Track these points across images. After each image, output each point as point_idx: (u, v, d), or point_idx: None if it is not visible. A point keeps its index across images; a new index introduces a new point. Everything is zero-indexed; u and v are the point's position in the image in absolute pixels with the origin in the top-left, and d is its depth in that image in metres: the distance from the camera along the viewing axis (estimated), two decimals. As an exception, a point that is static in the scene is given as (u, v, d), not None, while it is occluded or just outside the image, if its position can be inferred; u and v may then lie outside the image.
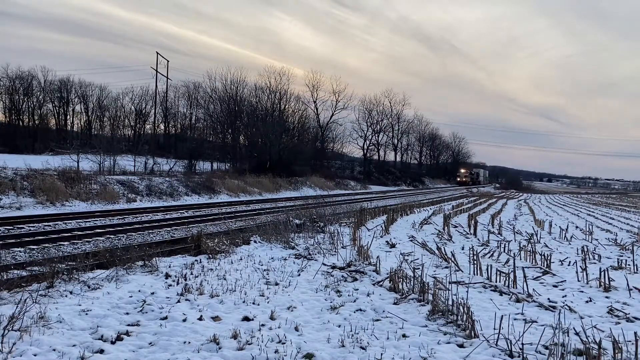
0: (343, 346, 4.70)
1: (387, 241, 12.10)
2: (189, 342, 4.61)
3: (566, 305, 6.36)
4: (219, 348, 4.51)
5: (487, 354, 4.57)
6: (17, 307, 4.92)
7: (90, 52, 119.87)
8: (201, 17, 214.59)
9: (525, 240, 13.46)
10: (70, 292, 6.05)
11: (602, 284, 7.57)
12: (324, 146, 65.31)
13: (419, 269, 7.39)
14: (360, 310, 5.97)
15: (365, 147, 76.09)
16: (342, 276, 7.84)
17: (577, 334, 5.02)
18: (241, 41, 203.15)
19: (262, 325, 5.22)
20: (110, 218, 15.57)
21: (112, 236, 11.89)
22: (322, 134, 65.05)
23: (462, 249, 11.48)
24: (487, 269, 7.98)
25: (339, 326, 5.34)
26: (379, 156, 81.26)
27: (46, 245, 10.26)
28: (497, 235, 14.53)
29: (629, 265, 9.62)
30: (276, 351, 4.45)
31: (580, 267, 8.39)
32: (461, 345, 4.81)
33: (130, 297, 5.99)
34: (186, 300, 6.01)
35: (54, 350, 4.25)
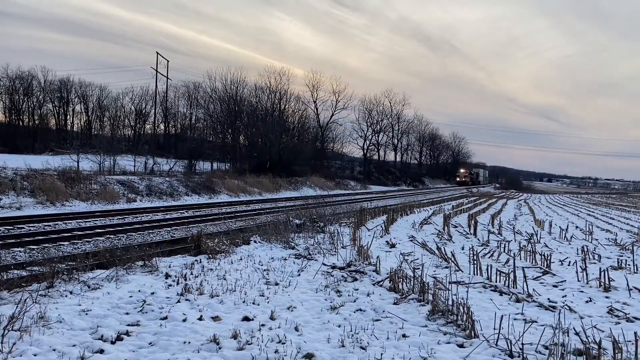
0: (343, 346, 4.70)
1: (387, 241, 12.10)
2: (189, 342, 4.61)
3: (566, 305, 6.36)
4: (219, 348, 4.51)
5: (487, 354, 4.57)
6: (17, 307, 4.92)
7: (90, 52, 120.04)
8: (201, 17, 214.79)
9: (525, 240, 13.46)
10: (70, 292, 6.05)
11: (602, 284, 7.57)
12: (324, 146, 65.33)
13: (419, 269, 7.39)
14: (360, 310, 5.97)
15: (365, 147, 76.21)
16: (342, 276, 7.84)
17: (577, 334, 5.02)
18: (241, 41, 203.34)
19: (262, 325, 5.22)
20: (110, 218, 15.57)
21: (112, 236, 11.89)
22: (322, 134, 65.08)
23: (462, 249, 11.48)
24: (487, 269, 7.98)
25: (339, 326, 5.34)
26: (379, 156, 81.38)
27: (46, 245, 10.26)
28: (497, 235, 14.53)
29: (629, 265, 9.62)
30: (276, 351, 4.45)
31: (580, 267, 8.39)
32: (461, 345, 4.81)
33: (130, 297, 5.99)
34: (186, 300, 6.01)
35: (54, 350, 4.25)
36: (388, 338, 4.99)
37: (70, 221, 14.08)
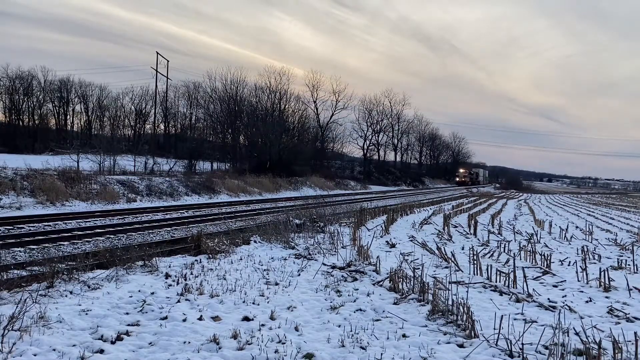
0: (343, 346, 4.70)
1: (387, 241, 12.10)
2: (189, 342, 4.61)
3: (566, 305, 6.36)
4: (219, 348, 4.51)
5: (487, 354, 4.57)
6: (17, 307, 4.92)
7: (90, 52, 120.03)
8: (201, 17, 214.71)
9: (525, 240, 13.46)
10: (70, 292, 6.05)
11: (602, 284, 7.57)
12: (324, 146, 65.32)
13: (419, 269, 7.39)
14: (360, 310, 5.97)
15: (365, 147, 76.20)
16: (342, 276, 7.84)
17: (577, 334, 5.02)
18: (241, 41, 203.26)
19: (262, 325, 5.22)
20: (110, 218, 15.57)
21: (112, 236, 11.89)
22: (322, 134, 65.06)
23: (462, 249, 11.48)
24: (487, 269, 7.98)
25: (339, 326, 5.34)
26: (379, 156, 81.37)
27: (46, 245, 10.26)
28: (497, 235, 14.53)
29: (629, 265, 9.62)
30: (276, 351, 4.45)
31: (580, 267, 8.39)
32: (461, 345, 4.81)
33: (130, 297, 5.99)
34: (186, 300, 6.01)
35: (54, 350, 4.25)
36: (388, 338, 4.99)
37: (70, 221, 14.08)
